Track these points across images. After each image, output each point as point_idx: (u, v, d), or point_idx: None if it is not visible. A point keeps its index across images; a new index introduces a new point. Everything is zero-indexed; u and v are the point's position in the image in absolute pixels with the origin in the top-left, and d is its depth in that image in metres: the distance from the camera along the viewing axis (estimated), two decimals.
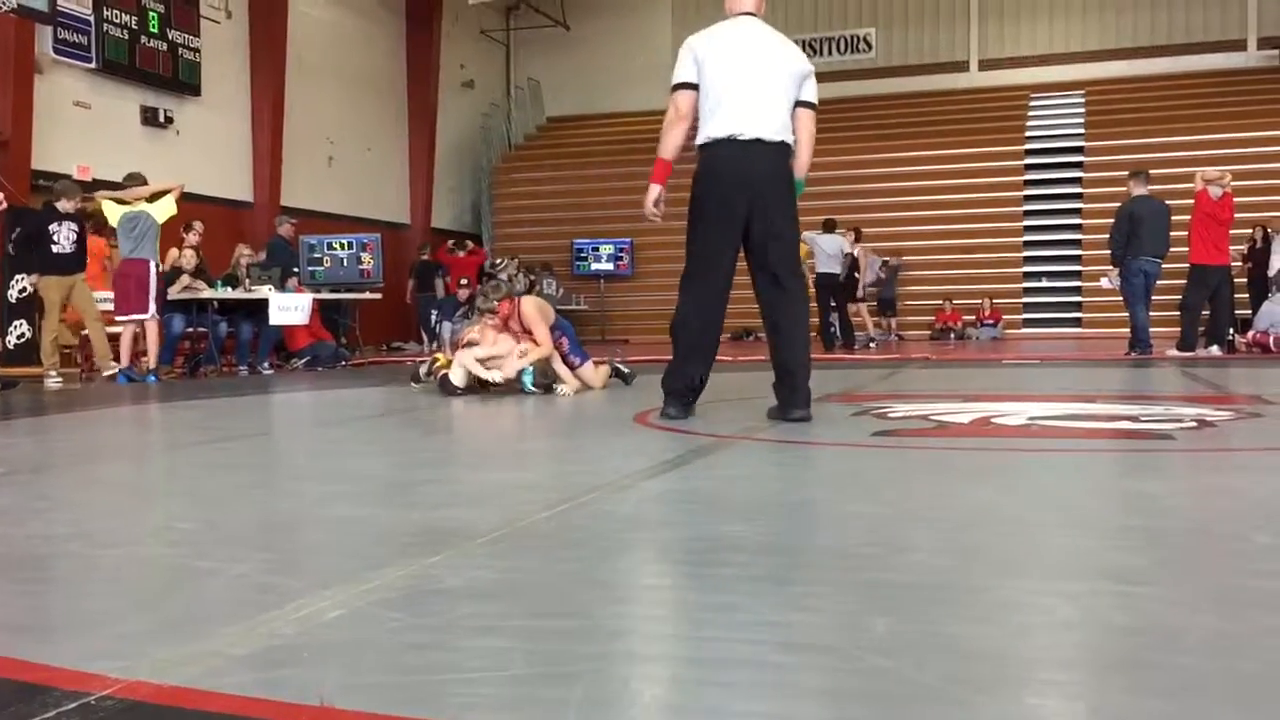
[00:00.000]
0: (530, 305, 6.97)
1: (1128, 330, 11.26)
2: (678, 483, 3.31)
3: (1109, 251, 11.21)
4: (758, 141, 4.65)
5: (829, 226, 14.15)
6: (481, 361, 6.73)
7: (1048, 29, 21.87)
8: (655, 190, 4.85)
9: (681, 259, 4.84)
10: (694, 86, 4.72)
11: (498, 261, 18.58)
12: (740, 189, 4.66)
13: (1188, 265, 11.17)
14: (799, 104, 4.81)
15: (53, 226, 9.68)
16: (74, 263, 9.85)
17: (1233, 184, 11.26)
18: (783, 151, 4.75)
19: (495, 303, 6.85)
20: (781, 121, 4.72)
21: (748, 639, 1.64)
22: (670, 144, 4.80)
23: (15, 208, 10.16)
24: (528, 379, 6.67)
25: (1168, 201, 11.29)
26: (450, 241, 18.64)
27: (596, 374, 7.17)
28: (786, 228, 4.79)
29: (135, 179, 9.89)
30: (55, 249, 9.67)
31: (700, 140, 4.77)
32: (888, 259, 18.44)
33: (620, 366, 7.52)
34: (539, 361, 6.71)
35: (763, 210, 4.68)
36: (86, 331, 10.12)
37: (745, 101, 4.65)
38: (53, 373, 9.44)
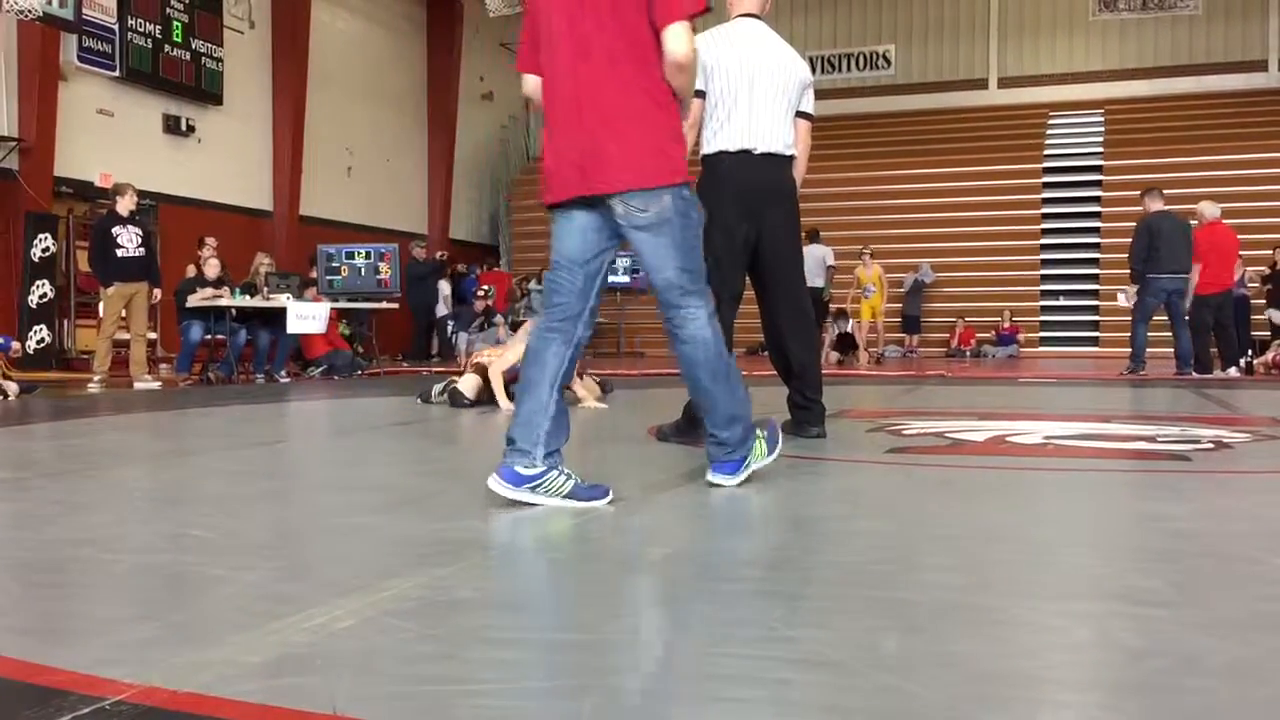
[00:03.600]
0: None
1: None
2: (690, 497, 3.31)
3: (1129, 270, 11.12)
4: (769, 156, 4.58)
5: (813, 236, 13.80)
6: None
7: (1067, 47, 21.85)
8: None
9: None
10: (702, 94, 4.56)
11: (540, 284, 18.90)
12: (754, 203, 4.58)
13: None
14: (798, 114, 4.72)
15: (115, 230, 9.73)
16: (140, 268, 9.89)
17: (1253, 205, 11.22)
18: (789, 164, 4.70)
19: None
20: (789, 133, 4.66)
21: (757, 654, 1.64)
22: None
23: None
24: None
25: (1191, 221, 11.22)
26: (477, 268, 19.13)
27: (586, 389, 7.17)
28: (794, 240, 4.76)
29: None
30: (121, 253, 9.70)
31: (709, 151, 4.63)
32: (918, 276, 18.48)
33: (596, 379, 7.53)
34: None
35: (773, 224, 4.63)
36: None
37: (759, 114, 4.56)
38: (97, 378, 9.54)
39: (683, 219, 3.07)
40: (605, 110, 3.00)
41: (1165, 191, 11.32)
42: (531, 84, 3.19)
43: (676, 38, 2.97)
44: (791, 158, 4.69)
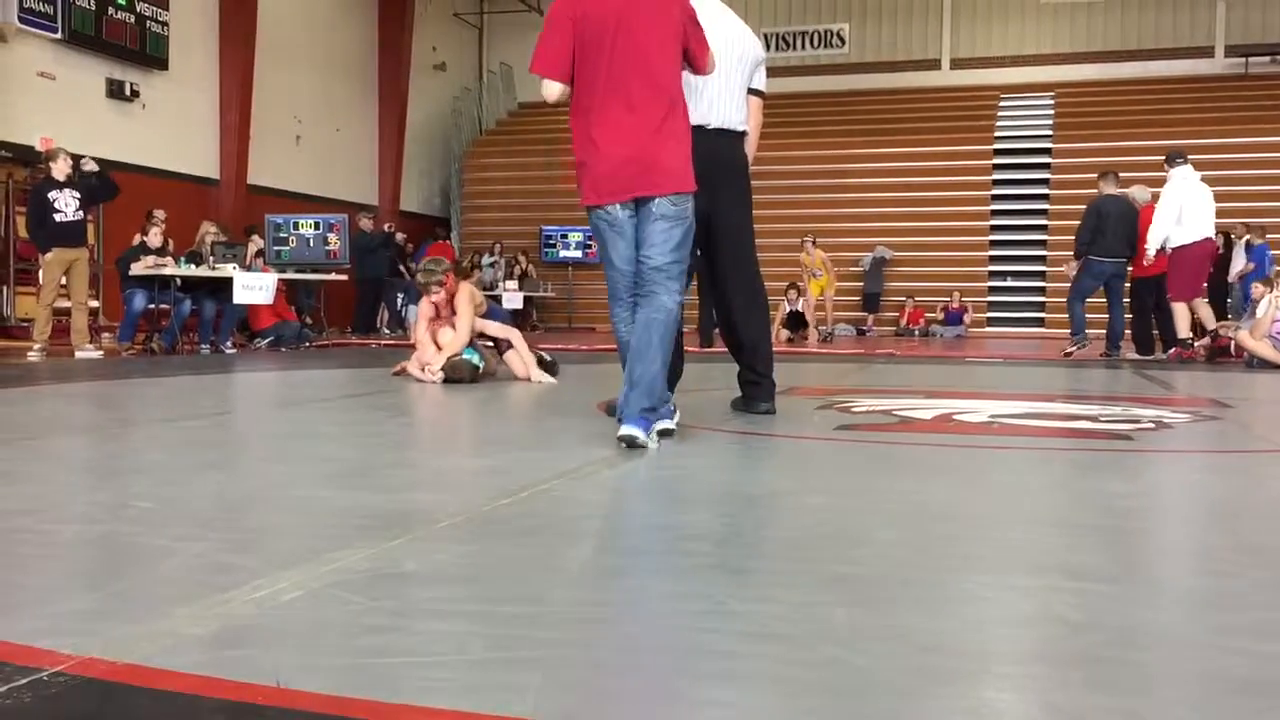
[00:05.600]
0: (465, 290, 6.91)
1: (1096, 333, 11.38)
2: (640, 472, 3.32)
3: (1074, 249, 11.24)
4: (721, 130, 4.57)
5: None
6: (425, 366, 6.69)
7: (1019, 30, 22.02)
8: None
9: None
10: None
11: (491, 256, 18.90)
12: (705, 180, 4.44)
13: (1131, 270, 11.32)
14: (750, 91, 4.71)
15: (52, 194, 9.53)
16: (79, 232, 9.69)
17: None
18: (741, 140, 4.69)
19: (441, 277, 6.80)
20: (742, 108, 4.66)
21: (706, 627, 1.64)
22: None
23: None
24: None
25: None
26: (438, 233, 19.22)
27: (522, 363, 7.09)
28: (744, 217, 4.73)
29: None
30: (59, 217, 9.50)
31: None
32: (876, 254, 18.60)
33: (544, 355, 7.34)
34: (455, 355, 6.62)
35: (725, 201, 4.59)
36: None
37: (710, 90, 4.53)
38: (37, 347, 9.35)
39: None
40: (660, 127, 3.72)
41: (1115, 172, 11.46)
42: (558, 90, 3.74)
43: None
44: (743, 134, 4.68)
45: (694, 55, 3.86)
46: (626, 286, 3.79)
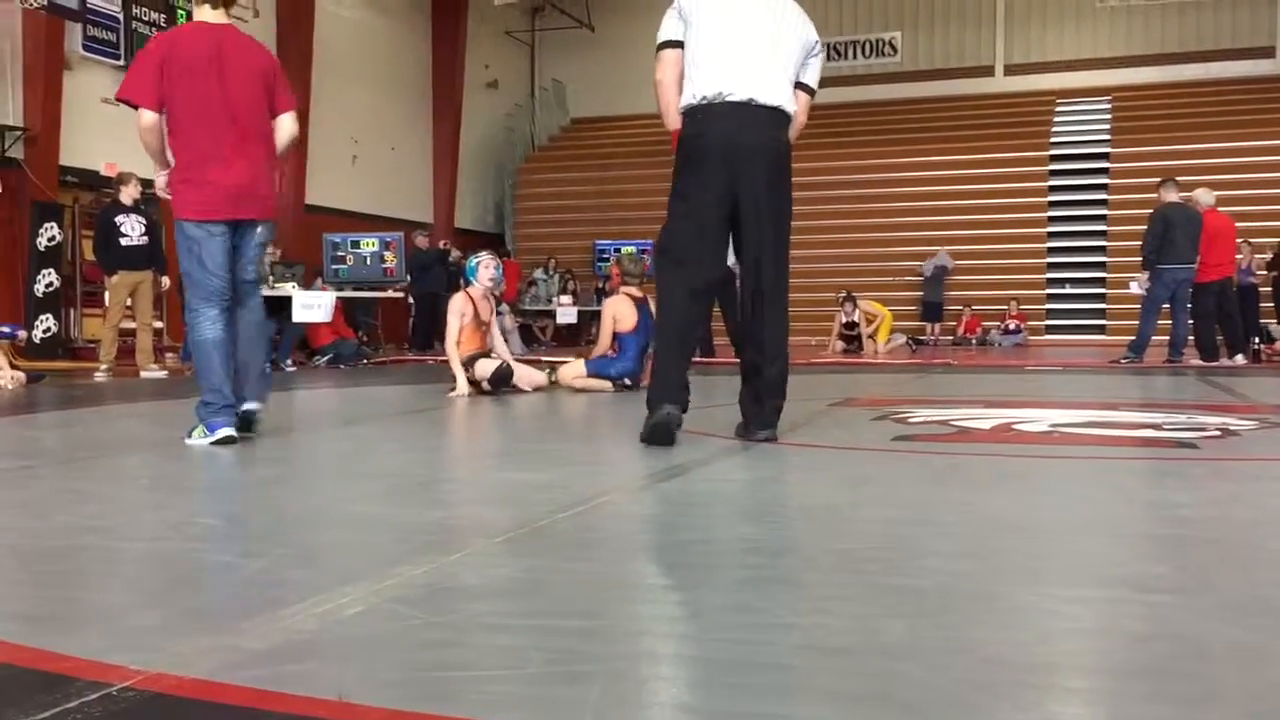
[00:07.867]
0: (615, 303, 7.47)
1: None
2: (695, 484, 3.31)
3: (1140, 258, 11.10)
4: (750, 104, 3.99)
5: None
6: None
7: (1074, 34, 21.76)
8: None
9: None
10: (678, 44, 4.09)
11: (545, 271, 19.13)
12: (731, 158, 3.99)
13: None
14: (798, 85, 4.19)
15: (119, 218, 9.74)
16: (144, 256, 9.88)
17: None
18: (780, 120, 4.08)
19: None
20: (782, 85, 4.07)
21: (762, 641, 1.64)
22: (669, 112, 4.15)
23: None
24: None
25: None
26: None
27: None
28: (779, 208, 4.12)
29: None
30: (125, 241, 9.70)
31: (684, 103, 4.07)
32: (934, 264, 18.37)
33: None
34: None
35: (752, 186, 4.03)
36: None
37: (737, 56, 4.01)
38: (103, 367, 9.55)
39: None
40: (260, 161, 4.38)
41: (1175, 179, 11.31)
42: (156, 119, 4.23)
43: (294, 121, 4.49)
44: (780, 111, 4.08)
45: (277, 102, 4.47)
46: (217, 291, 4.29)
